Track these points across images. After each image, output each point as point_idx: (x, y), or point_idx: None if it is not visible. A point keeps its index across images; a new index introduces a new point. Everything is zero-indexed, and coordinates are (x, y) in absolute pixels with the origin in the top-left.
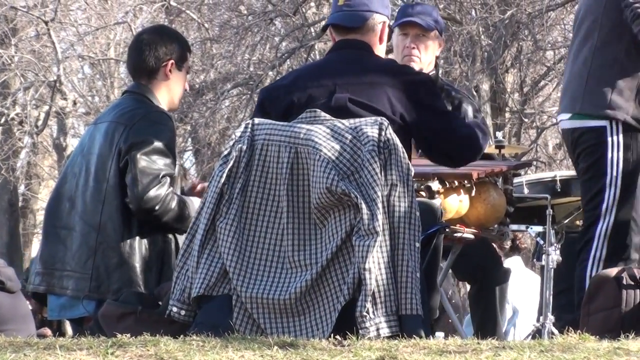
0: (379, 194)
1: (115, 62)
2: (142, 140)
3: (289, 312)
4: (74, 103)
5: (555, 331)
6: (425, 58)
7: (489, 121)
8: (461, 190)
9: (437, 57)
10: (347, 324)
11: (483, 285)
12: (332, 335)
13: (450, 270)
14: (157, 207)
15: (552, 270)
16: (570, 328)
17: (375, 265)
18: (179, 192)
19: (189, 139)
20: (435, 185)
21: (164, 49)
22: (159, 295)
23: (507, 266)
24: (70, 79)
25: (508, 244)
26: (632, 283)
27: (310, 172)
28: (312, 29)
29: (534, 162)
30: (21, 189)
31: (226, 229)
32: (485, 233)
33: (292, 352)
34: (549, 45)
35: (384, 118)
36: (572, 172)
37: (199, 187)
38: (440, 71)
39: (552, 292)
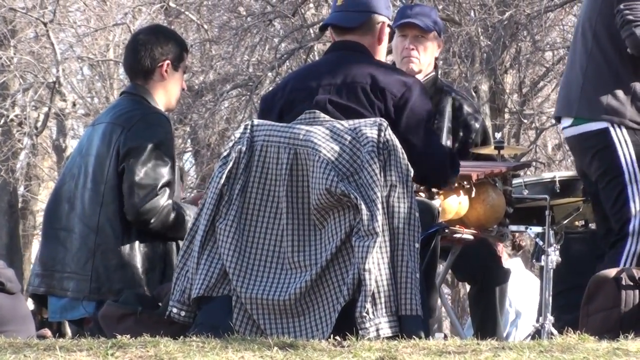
0: (379, 194)
1: (115, 64)
2: (139, 146)
3: (289, 312)
4: (74, 104)
5: (555, 332)
6: (424, 59)
7: (488, 122)
8: (460, 191)
9: (436, 58)
10: (346, 325)
11: (483, 286)
12: (331, 335)
13: (449, 271)
14: (152, 220)
15: (552, 270)
16: (570, 328)
17: (375, 266)
18: (179, 194)
19: (189, 140)
20: None
21: (159, 49)
22: (159, 296)
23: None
24: (69, 80)
25: (509, 245)
26: (631, 283)
27: (310, 173)
28: (311, 30)
29: (533, 163)
30: (21, 190)
31: (226, 230)
32: (485, 234)
33: (291, 352)
34: (548, 46)
35: (383, 119)
36: (572, 173)
37: (201, 200)
38: (439, 72)
39: (551, 293)
